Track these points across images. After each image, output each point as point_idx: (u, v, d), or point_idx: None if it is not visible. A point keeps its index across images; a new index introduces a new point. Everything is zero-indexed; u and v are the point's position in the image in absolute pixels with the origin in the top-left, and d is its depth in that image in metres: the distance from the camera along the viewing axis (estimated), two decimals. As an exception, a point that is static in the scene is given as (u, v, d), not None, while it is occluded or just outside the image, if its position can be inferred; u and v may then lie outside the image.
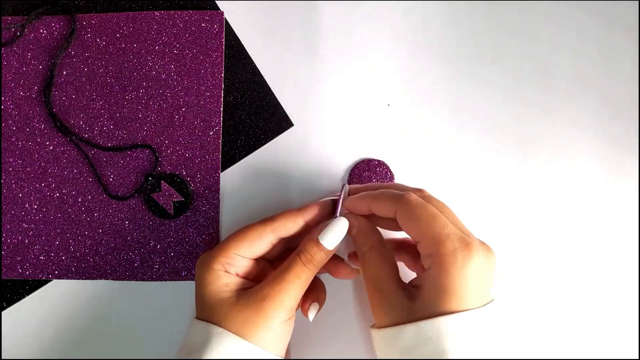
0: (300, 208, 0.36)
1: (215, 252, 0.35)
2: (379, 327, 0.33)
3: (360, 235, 0.35)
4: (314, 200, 0.37)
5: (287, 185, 0.41)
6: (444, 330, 0.29)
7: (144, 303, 0.41)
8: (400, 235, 0.36)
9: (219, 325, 0.32)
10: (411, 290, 0.32)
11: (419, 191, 0.35)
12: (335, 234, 0.34)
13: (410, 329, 0.30)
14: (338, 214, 0.35)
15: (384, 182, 0.41)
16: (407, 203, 0.32)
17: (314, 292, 0.37)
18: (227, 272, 0.34)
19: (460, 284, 0.30)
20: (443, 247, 0.30)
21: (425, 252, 0.32)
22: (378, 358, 0.34)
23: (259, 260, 0.36)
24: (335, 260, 0.37)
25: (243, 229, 0.35)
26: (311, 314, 0.36)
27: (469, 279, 0.30)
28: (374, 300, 0.33)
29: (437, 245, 0.31)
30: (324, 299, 0.37)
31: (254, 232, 0.35)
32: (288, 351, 0.39)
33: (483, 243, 0.32)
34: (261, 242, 0.35)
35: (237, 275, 0.35)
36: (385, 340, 0.32)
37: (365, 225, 0.35)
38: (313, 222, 0.36)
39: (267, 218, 0.36)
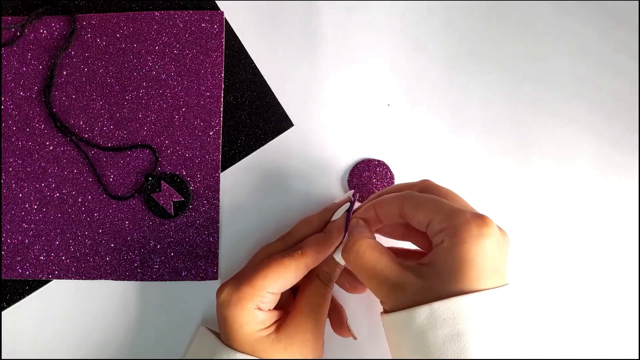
0: (325, 233, 0.36)
1: (245, 288, 0.33)
2: (389, 312, 0.31)
3: (352, 234, 0.34)
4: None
5: (287, 185, 0.41)
6: (460, 311, 0.28)
7: (144, 303, 0.41)
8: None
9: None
10: (421, 269, 0.30)
11: (423, 181, 0.35)
12: None
13: (424, 311, 0.28)
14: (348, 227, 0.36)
15: (384, 182, 0.41)
16: (411, 194, 0.32)
17: (337, 311, 0.38)
18: (260, 309, 0.34)
19: (477, 256, 0.28)
20: (457, 218, 0.29)
21: (436, 229, 0.30)
22: (389, 345, 0.32)
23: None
24: (349, 276, 0.38)
25: (274, 264, 0.34)
26: (354, 331, 0.37)
27: (487, 253, 0.28)
28: (380, 287, 0.31)
29: (451, 217, 0.29)
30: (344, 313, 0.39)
31: (288, 268, 0.34)
32: None
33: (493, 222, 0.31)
34: (295, 278, 0.34)
35: (270, 310, 0.35)
36: (396, 324, 0.30)
37: (359, 223, 0.35)
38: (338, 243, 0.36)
39: (295, 249, 0.35)
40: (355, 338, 0.37)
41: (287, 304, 0.37)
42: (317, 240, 0.35)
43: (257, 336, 0.33)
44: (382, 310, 0.32)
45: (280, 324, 0.34)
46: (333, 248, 0.36)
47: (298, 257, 0.34)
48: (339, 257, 0.36)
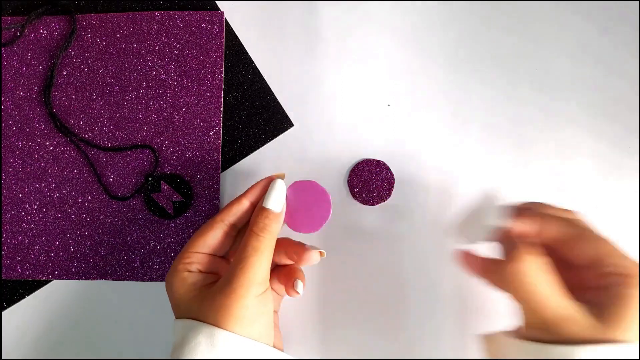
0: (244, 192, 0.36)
1: (177, 256, 0.35)
2: (540, 339, 0.30)
3: (513, 238, 0.33)
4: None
5: (287, 186, 0.41)
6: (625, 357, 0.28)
7: (143, 303, 0.41)
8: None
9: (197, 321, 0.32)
10: (588, 307, 0.30)
11: (568, 213, 0.35)
12: (276, 195, 0.34)
13: (589, 350, 0.28)
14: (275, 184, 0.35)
15: (384, 182, 0.41)
16: (579, 223, 0.33)
17: (291, 274, 0.36)
18: (190, 271, 0.34)
19: None
20: (634, 267, 0.30)
21: (607, 271, 0.30)
22: None
23: (220, 258, 0.36)
24: (295, 247, 0.36)
25: (199, 228, 0.36)
26: (298, 287, 0.35)
27: None
28: (535, 313, 0.30)
29: (626, 263, 0.30)
30: (303, 276, 0.37)
31: (205, 226, 0.35)
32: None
33: None
34: (214, 233, 0.35)
35: (201, 272, 0.34)
36: (549, 355, 0.29)
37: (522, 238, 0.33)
38: (258, 201, 0.35)
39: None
40: (300, 294, 0.36)
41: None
42: (235, 198, 0.36)
43: (191, 295, 0.33)
44: (509, 329, 0.32)
45: (214, 281, 0.34)
46: (247, 201, 0.35)
47: (215, 216, 0.35)
48: (269, 205, 0.34)
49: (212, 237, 0.35)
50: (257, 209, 0.35)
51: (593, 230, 0.33)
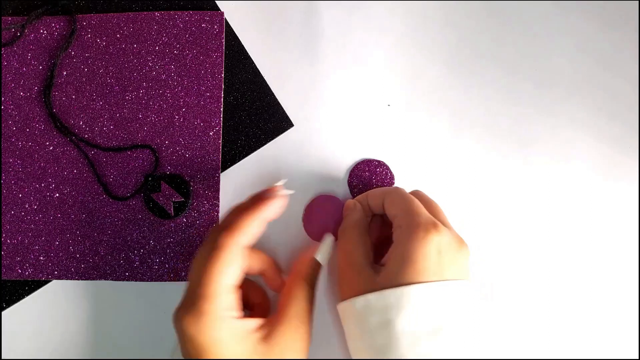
0: (252, 208, 0.32)
1: (201, 304, 0.29)
2: (342, 299, 0.34)
3: (347, 213, 0.37)
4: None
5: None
6: (390, 302, 0.30)
7: (143, 304, 0.40)
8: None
9: None
10: (379, 267, 0.33)
11: (414, 191, 0.38)
12: (327, 250, 0.37)
13: (359, 300, 0.32)
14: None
15: (384, 182, 0.41)
16: (396, 190, 0.36)
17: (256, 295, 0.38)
18: (232, 317, 0.30)
19: (417, 257, 0.31)
20: (412, 219, 0.32)
21: (395, 224, 0.33)
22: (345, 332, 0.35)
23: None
24: (275, 276, 0.38)
25: (209, 261, 0.29)
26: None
27: (426, 256, 0.31)
28: (343, 274, 0.35)
29: (409, 217, 0.32)
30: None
31: (225, 258, 0.30)
32: None
33: (457, 234, 0.33)
34: (239, 263, 0.31)
35: (242, 318, 0.31)
36: (341, 312, 0.34)
37: (356, 206, 0.37)
38: (272, 219, 0.34)
39: (218, 232, 0.31)
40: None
41: (263, 307, 0.37)
42: (246, 212, 0.32)
43: (249, 347, 0.30)
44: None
45: (268, 333, 0.31)
46: (261, 222, 0.32)
47: (226, 240, 0.30)
48: (319, 257, 0.36)
49: (236, 268, 0.30)
50: (308, 260, 0.36)
51: (405, 195, 0.35)
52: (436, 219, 0.33)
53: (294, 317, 0.33)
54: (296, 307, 0.33)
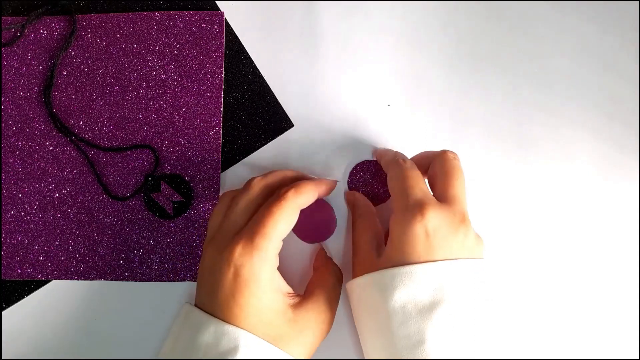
0: (313, 180, 0.36)
1: (259, 240, 0.31)
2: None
3: (355, 206, 0.39)
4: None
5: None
6: (385, 282, 0.32)
7: (143, 304, 0.40)
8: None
9: (273, 344, 0.31)
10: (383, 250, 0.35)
11: (441, 152, 0.37)
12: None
13: (360, 280, 0.34)
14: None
15: (384, 183, 0.41)
16: (396, 164, 0.35)
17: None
18: (275, 269, 0.33)
19: (405, 240, 0.32)
20: (401, 202, 0.33)
21: (393, 207, 0.34)
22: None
23: None
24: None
25: (274, 208, 0.32)
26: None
27: (416, 237, 0.32)
28: (354, 258, 0.37)
29: (399, 200, 0.33)
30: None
31: (288, 209, 0.32)
32: None
33: (457, 213, 0.33)
34: (293, 220, 0.34)
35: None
36: (348, 290, 0.36)
37: (362, 198, 0.39)
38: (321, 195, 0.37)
39: (286, 189, 0.34)
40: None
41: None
42: (311, 181, 0.35)
43: (280, 303, 0.32)
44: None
45: (296, 304, 0.34)
46: (325, 191, 0.37)
47: (293, 195, 0.33)
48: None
49: (290, 226, 0.33)
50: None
51: (406, 171, 0.34)
52: (445, 193, 0.34)
53: (322, 302, 0.34)
54: (324, 294, 0.35)
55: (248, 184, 0.35)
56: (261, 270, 0.31)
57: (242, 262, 0.31)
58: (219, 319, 0.31)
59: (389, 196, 0.40)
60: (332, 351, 0.39)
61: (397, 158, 0.36)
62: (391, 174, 0.35)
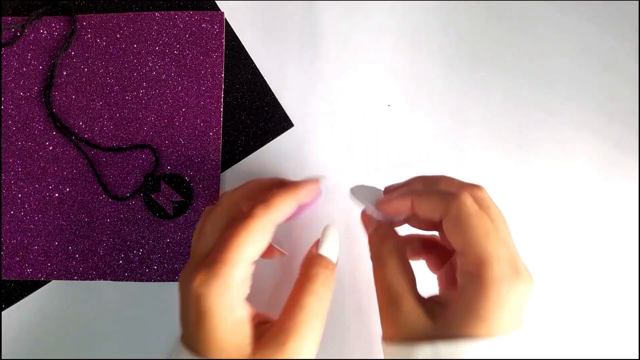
0: (289, 187, 0.31)
1: (219, 267, 0.27)
2: (389, 341, 0.29)
3: (377, 237, 0.31)
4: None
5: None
6: (463, 354, 0.26)
7: (142, 304, 0.40)
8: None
9: None
10: (433, 307, 0.29)
11: (477, 190, 0.30)
12: (334, 243, 0.32)
13: (426, 349, 0.27)
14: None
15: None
16: (461, 209, 0.28)
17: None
18: (238, 298, 0.28)
19: (496, 312, 0.26)
20: (490, 271, 0.27)
21: (465, 268, 0.28)
22: None
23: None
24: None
25: (239, 228, 0.28)
26: (283, 250, 0.34)
27: (507, 308, 0.27)
28: (387, 311, 0.29)
29: (484, 267, 0.27)
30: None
31: (255, 229, 0.28)
32: None
33: (526, 268, 0.28)
34: (265, 239, 0.29)
35: (246, 303, 0.29)
36: (395, 355, 0.29)
37: (383, 225, 0.32)
38: (305, 206, 0.32)
39: (254, 205, 0.29)
40: (285, 255, 0.35)
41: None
42: (286, 190, 0.30)
43: (241, 338, 0.28)
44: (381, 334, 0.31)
45: (266, 337, 0.29)
46: (294, 203, 0.31)
47: (262, 212, 0.29)
48: (325, 252, 0.32)
49: (263, 247, 0.29)
50: (312, 256, 0.31)
51: (478, 219, 0.28)
52: (501, 243, 0.28)
53: (306, 319, 0.29)
54: (309, 307, 0.29)
55: (219, 199, 0.31)
56: (220, 301, 0.27)
57: (201, 292, 0.28)
58: (191, 350, 0.29)
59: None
60: (331, 351, 0.39)
61: (459, 196, 0.28)
62: (454, 220, 0.28)
